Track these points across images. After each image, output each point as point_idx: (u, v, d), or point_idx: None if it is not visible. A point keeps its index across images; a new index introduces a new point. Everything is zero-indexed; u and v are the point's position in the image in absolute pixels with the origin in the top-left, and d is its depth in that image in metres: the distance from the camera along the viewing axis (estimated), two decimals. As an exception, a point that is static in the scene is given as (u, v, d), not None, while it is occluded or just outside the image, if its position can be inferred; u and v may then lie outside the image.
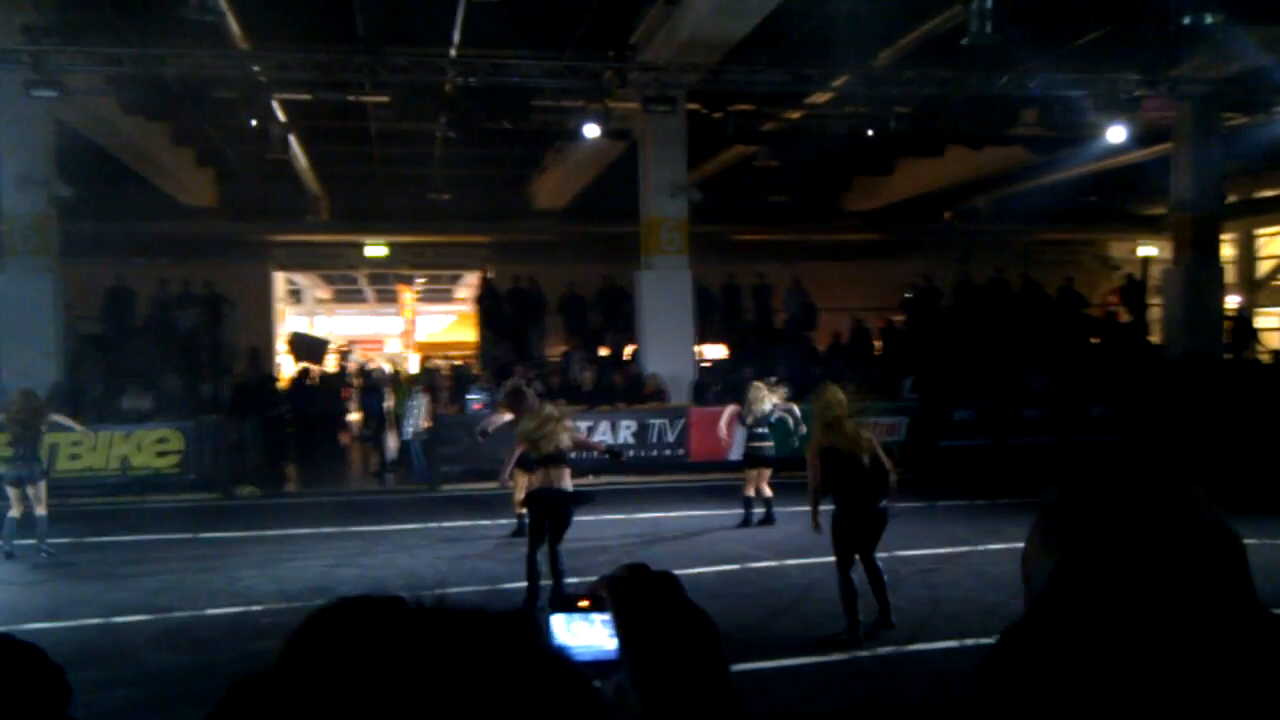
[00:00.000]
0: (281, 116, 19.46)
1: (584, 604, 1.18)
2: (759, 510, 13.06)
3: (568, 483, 9.53)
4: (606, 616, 1.15)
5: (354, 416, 23.42)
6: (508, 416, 11.79)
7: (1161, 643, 1.02)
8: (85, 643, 8.41)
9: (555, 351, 23.03)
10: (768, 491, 13.01)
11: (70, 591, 10.17)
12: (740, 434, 13.76)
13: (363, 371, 23.68)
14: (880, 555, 8.48)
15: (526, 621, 0.80)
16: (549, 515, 9.32)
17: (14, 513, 11.88)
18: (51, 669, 1.64)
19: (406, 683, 0.72)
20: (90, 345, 20.10)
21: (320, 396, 20.48)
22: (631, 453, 17.77)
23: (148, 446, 16.71)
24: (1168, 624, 1.03)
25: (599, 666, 1.13)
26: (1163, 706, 1.00)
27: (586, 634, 1.17)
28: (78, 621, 9.03)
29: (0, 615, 9.18)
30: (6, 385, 17.06)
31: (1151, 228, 29.10)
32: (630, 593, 1.15)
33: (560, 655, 0.80)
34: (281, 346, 28.30)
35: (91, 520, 14.22)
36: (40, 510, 11.94)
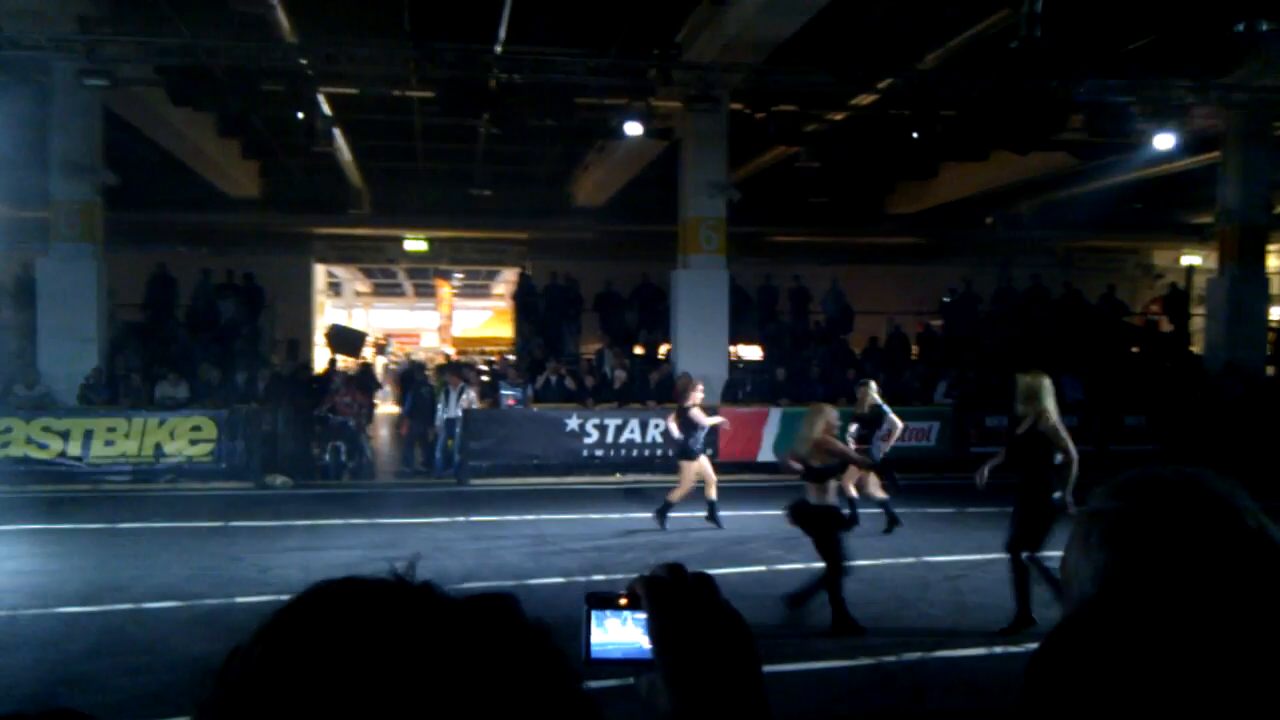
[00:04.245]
0: (327, 110, 19.59)
1: (622, 601, 1.18)
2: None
3: (814, 495, 8.67)
4: (641, 615, 1.15)
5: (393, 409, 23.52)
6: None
7: (1206, 648, 1.02)
8: (117, 628, 8.51)
9: (590, 348, 23.06)
10: (879, 494, 12.67)
11: (102, 577, 10.27)
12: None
13: (412, 364, 23.70)
14: (908, 560, 8.45)
15: (505, 601, 0.81)
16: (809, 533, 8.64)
17: None
18: None
19: (382, 658, 0.73)
20: (131, 333, 20.33)
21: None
22: (660, 452, 17.78)
23: (182, 434, 16.87)
24: (1213, 629, 1.03)
25: (631, 664, 1.14)
26: (1209, 711, 1.00)
27: (619, 631, 1.17)
28: (109, 607, 9.12)
29: (33, 600, 9.30)
30: (45, 371, 17.36)
31: (1196, 237, 28.73)
32: (666, 592, 1.14)
33: (540, 633, 0.81)
34: (320, 339, 28.52)
35: (125, 506, 14.39)
36: None
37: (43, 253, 18.25)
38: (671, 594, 1.14)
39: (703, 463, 12.92)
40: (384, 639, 0.75)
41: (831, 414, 8.94)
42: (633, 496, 15.57)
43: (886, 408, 12.99)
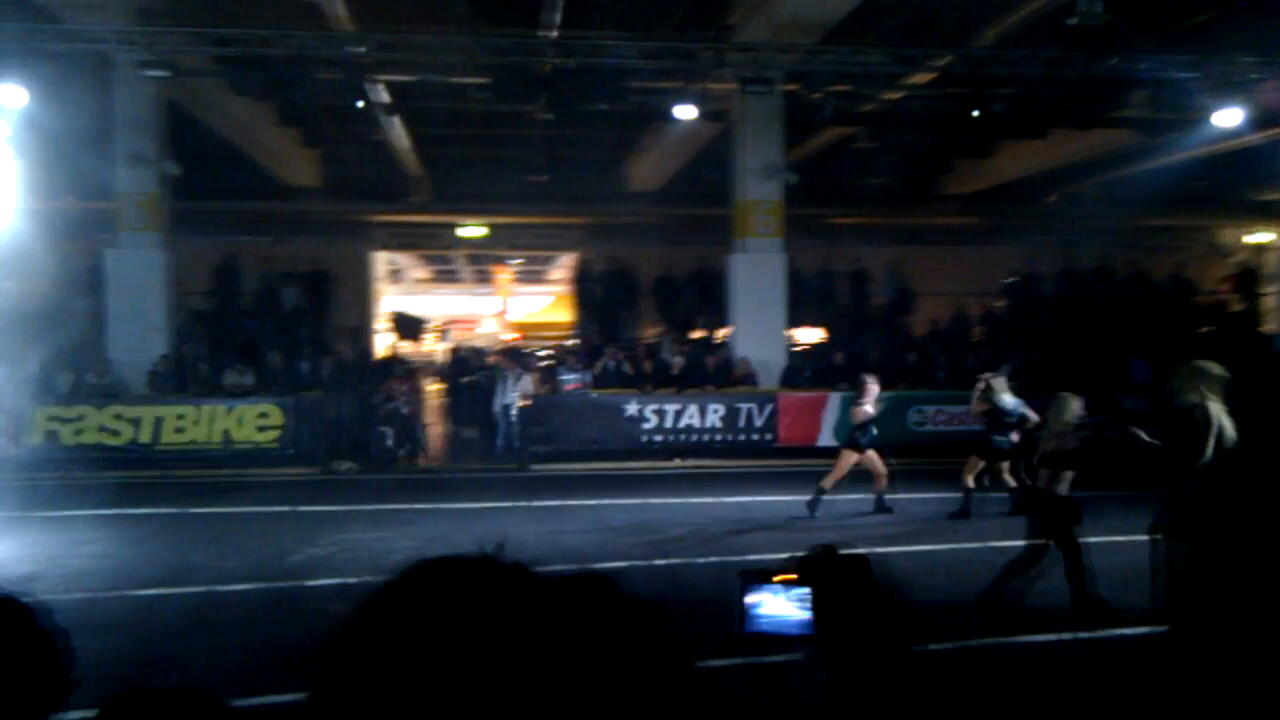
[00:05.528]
0: (384, 97, 19.75)
1: (788, 577, 1.22)
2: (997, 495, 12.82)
3: (1046, 483, 8.64)
4: (797, 592, 1.20)
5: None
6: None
7: None
8: (194, 610, 8.71)
9: (647, 333, 23.07)
10: (1011, 481, 12.77)
11: (177, 560, 10.51)
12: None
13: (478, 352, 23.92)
14: (973, 546, 8.42)
15: (605, 580, 0.83)
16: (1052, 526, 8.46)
17: None
18: (40, 633, 1.70)
19: (489, 635, 0.74)
20: (198, 321, 20.68)
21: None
22: (719, 436, 17.79)
23: (249, 421, 17.18)
24: None
25: (783, 638, 1.21)
26: None
27: (772, 605, 1.23)
28: (185, 589, 9.34)
29: (112, 583, 9.53)
30: (114, 359, 17.73)
31: (1265, 213, 28.10)
32: (821, 572, 1.20)
33: (647, 612, 0.82)
34: (382, 325, 28.83)
35: (195, 491, 14.69)
36: None
37: (110, 243, 18.61)
38: (826, 574, 1.18)
39: (870, 455, 12.83)
40: (486, 614, 0.75)
41: (1075, 404, 9.08)
42: (692, 481, 15.62)
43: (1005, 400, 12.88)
